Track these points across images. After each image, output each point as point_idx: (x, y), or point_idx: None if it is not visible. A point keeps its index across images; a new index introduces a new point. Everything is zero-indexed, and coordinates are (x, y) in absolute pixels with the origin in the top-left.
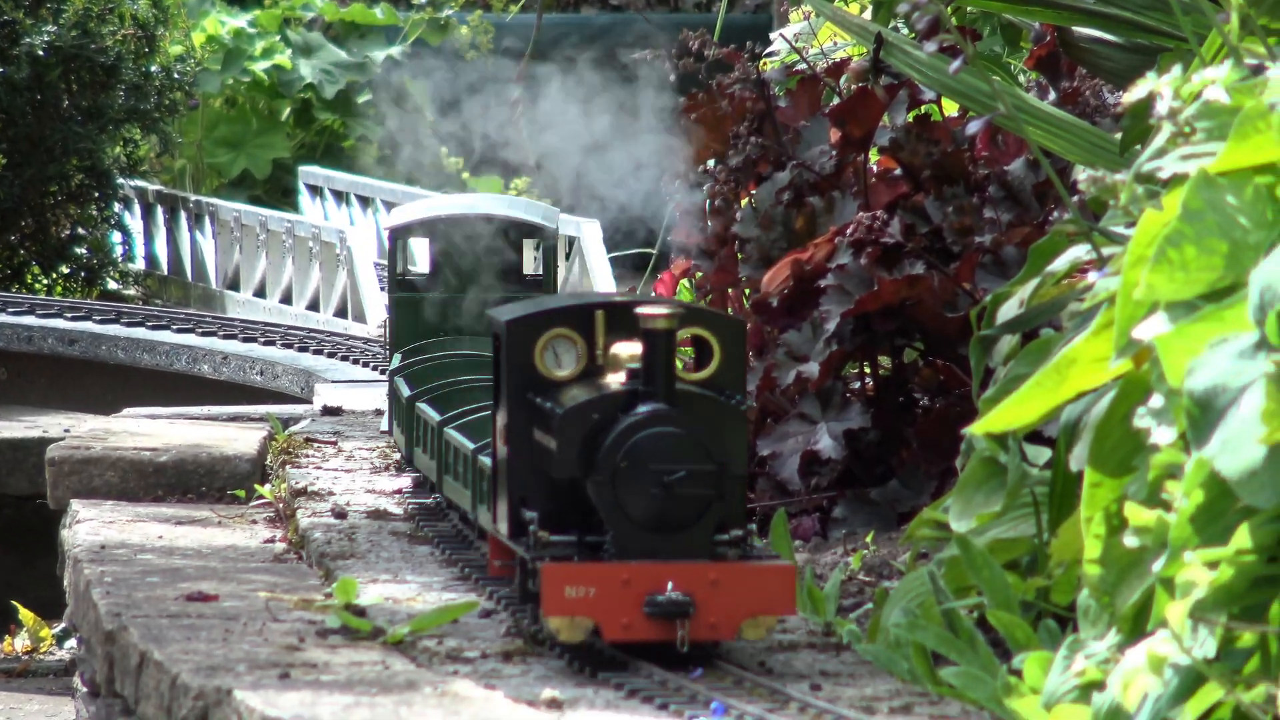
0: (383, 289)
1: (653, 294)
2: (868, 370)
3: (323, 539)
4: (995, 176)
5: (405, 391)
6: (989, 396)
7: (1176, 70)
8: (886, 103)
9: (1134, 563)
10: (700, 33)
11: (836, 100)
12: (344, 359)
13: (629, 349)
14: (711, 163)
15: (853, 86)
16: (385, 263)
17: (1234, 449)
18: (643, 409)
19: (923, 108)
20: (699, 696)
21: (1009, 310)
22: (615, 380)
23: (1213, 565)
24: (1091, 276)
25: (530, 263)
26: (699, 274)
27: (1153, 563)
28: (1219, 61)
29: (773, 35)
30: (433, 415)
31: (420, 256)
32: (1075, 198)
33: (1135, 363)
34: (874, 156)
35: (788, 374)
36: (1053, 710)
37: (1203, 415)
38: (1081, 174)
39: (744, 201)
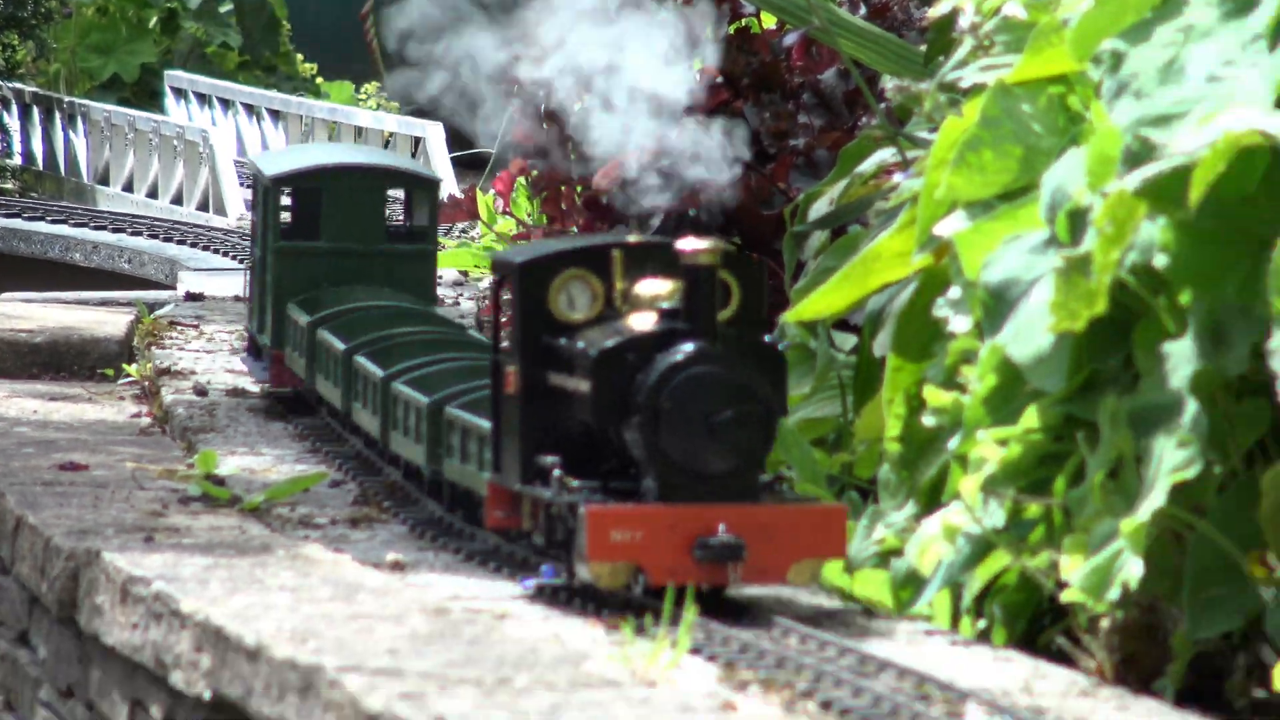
0: (246, 197)
1: (492, 192)
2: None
3: (185, 414)
4: (809, 85)
5: (339, 345)
6: (800, 287)
7: None
8: (717, 14)
9: (931, 440)
10: None
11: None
12: (205, 249)
13: (652, 289)
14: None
15: (679, 1)
16: (245, 166)
17: (1024, 337)
18: (685, 347)
19: (743, 20)
20: (530, 561)
21: (820, 208)
22: (639, 321)
23: (1003, 443)
24: (897, 178)
25: (412, 216)
26: (534, 172)
27: (948, 441)
28: None
29: None
30: (375, 371)
31: (303, 206)
32: (883, 105)
33: (935, 257)
34: (698, 65)
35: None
36: (855, 575)
37: (996, 306)
38: (889, 83)
39: (578, 106)
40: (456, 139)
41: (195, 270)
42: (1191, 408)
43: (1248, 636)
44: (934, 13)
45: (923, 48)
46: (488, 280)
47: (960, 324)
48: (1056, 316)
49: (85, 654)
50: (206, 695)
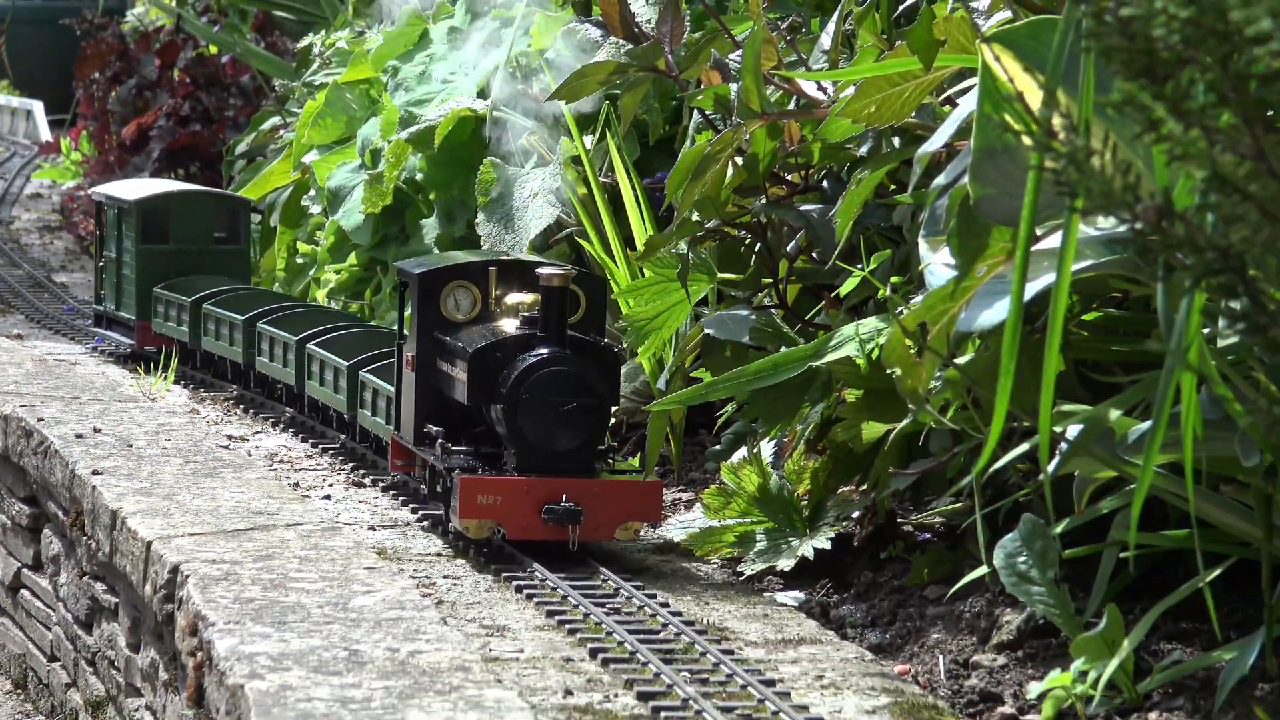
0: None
1: (68, 138)
2: (178, 173)
3: None
4: (235, 82)
5: (235, 317)
6: (236, 185)
7: (323, 33)
8: (183, 45)
9: (301, 270)
10: (91, 12)
11: (159, 45)
12: None
13: (518, 298)
14: (97, 74)
15: (165, 37)
16: (94, 194)
17: (349, 216)
18: (541, 350)
19: (202, 48)
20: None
21: (241, 148)
22: (509, 324)
23: (338, 272)
24: (282, 133)
25: (222, 228)
26: (90, 129)
27: (310, 270)
28: (342, 27)
29: (130, 13)
30: (288, 336)
31: (156, 220)
32: (273, 94)
33: (302, 174)
34: (176, 72)
35: (135, 178)
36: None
37: (334, 199)
38: (278, 83)
39: (114, 94)
40: (55, 107)
41: None
42: (436, 251)
43: None
44: (301, 44)
45: (294, 64)
46: (69, 184)
47: (315, 209)
48: (366, 205)
49: None
50: None
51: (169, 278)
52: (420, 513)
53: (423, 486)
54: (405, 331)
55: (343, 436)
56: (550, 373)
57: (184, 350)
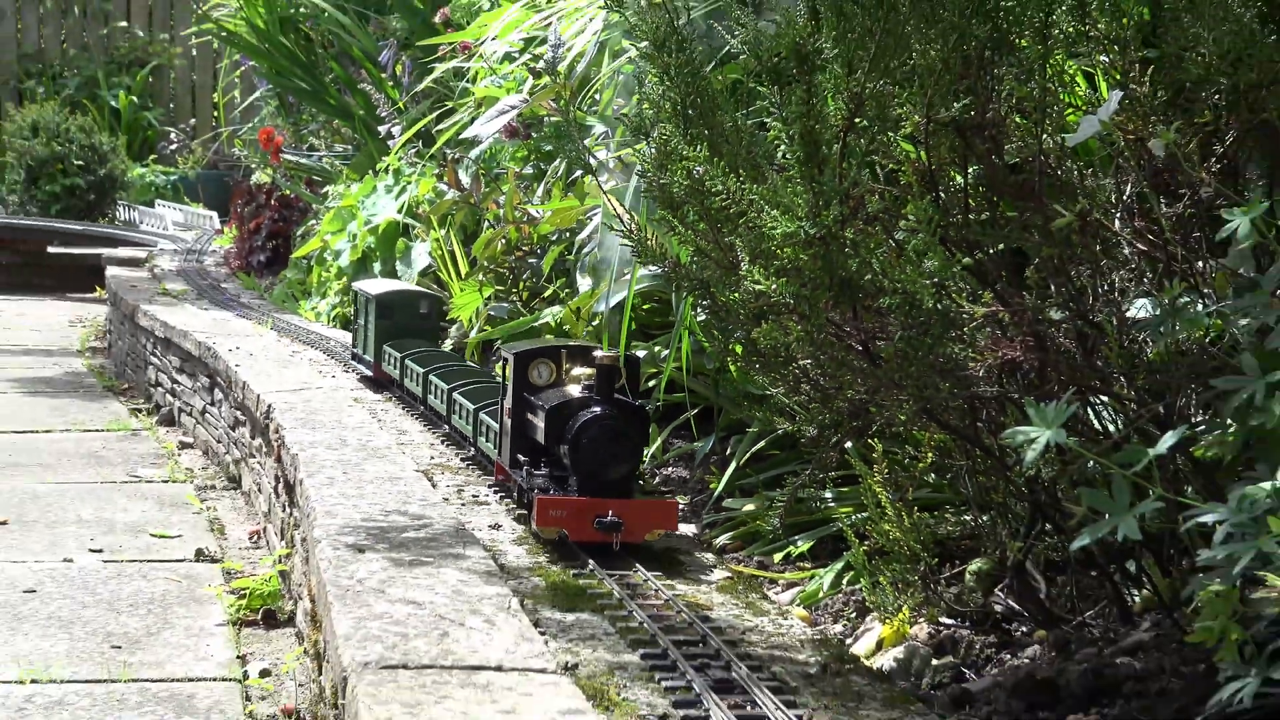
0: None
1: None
2: (266, 246)
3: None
4: (298, 207)
5: (419, 369)
6: (294, 246)
7: (333, 185)
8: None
9: (321, 285)
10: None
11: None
12: None
13: (581, 371)
14: (240, 205)
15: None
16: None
17: (342, 260)
18: (595, 409)
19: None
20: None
21: (300, 232)
22: (574, 389)
23: (336, 295)
24: (314, 224)
25: (424, 309)
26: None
27: (326, 284)
28: (341, 183)
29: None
30: (442, 384)
31: (388, 307)
32: (313, 209)
33: (324, 243)
34: (264, 195)
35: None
36: None
37: (337, 254)
38: (314, 206)
39: (247, 208)
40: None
41: None
42: (378, 276)
43: None
44: (325, 190)
45: (323, 197)
46: (226, 246)
47: (330, 258)
48: (350, 256)
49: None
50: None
51: (392, 339)
52: (516, 512)
53: (514, 503)
54: (505, 390)
55: (472, 450)
56: (602, 425)
57: (394, 382)
